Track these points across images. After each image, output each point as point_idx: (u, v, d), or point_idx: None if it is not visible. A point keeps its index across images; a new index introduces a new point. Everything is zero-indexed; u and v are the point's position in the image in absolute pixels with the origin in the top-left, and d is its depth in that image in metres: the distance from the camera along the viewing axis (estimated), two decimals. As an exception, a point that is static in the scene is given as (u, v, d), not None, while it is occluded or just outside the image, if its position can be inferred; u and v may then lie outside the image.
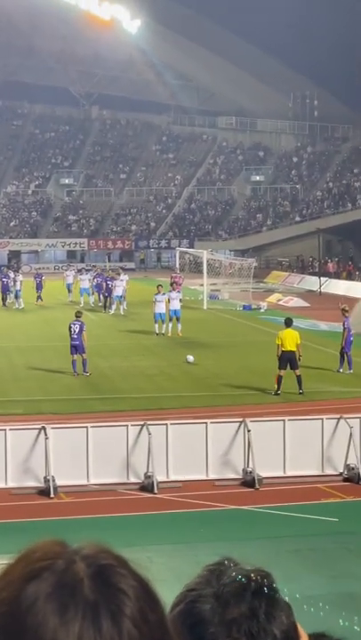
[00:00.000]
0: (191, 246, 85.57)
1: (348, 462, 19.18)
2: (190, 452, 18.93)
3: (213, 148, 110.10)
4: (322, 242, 76.28)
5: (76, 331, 30.24)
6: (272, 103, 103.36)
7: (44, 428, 18.66)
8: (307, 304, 55.37)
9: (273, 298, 58.85)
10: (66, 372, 30.52)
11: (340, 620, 11.70)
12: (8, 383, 29.31)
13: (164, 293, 40.66)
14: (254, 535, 16.11)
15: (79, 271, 60.89)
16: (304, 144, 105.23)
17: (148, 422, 19.09)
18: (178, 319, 40.49)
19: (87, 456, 18.62)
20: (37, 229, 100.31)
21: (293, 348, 26.89)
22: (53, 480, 18.09)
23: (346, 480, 19.09)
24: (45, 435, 18.44)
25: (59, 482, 18.17)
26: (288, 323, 28.05)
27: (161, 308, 40.19)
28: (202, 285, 55.40)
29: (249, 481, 18.69)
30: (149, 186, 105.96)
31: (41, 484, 18.33)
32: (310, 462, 19.33)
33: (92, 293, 54.51)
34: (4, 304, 54.22)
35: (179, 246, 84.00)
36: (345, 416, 19.66)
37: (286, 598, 1.63)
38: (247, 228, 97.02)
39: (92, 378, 30.04)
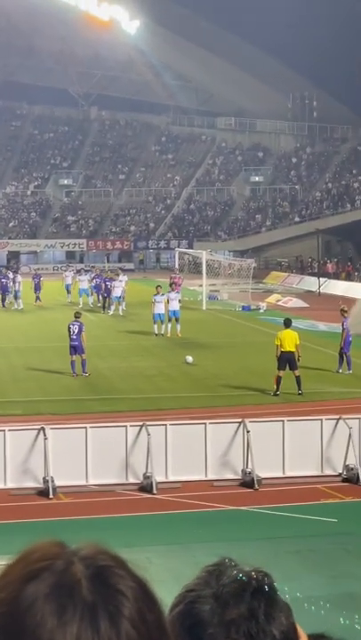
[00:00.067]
0: (190, 247, 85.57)
1: (347, 463, 19.19)
2: (189, 452, 18.93)
3: (212, 148, 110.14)
4: (321, 242, 76.38)
5: (75, 331, 30.25)
6: (271, 104, 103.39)
7: (43, 429, 18.65)
8: (306, 304, 55.40)
9: (272, 298, 58.86)
10: (65, 372, 30.52)
11: (340, 620, 11.70)
12: (7, 384, 29.31)
13: (163, 294, 40.67)
14: (253, 536, 16.11)
15: (78, 272, 60.92)
16: (303, 145, 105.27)
17: (147, 423, 19.09)
18: (177, 320, 40.49)
19: (86, 457, 18.62)
20: (36, 230, 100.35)
21: (293, 349, 26.90)
22: (52, 481, 18.10)
23: (345, 480, 19.09)
24: (44, 435, 18.44)
25: (58, 482, 18.17)
26: (287, 323, 28.06)
27: (160, 308, 40.20)
28: (201, 286, 55.41)
29: (248, 481, 18.69)
30: (148, 186, 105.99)
31: (40, 485, 18.33)
32: (309, 463, 19.33)
33: (91, 294, 54.50)
34: (3, 305, 54.21)
35: (178, 247, 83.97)
36: (344, 417, 19.66)
37: (286, 598, 1.62)
38: (246, 228, 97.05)
39: (91, 378, 30.04)
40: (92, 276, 56.81)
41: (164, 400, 26.31)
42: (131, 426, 19.08)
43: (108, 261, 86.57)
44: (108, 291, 50.46)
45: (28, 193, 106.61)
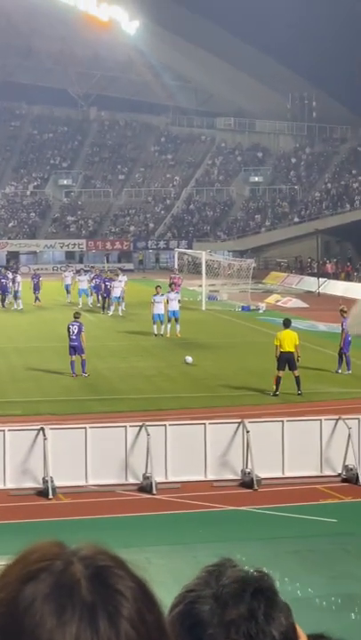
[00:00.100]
0: (190, 247, 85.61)
1: (346, 463, 19.18)
2: (189, 452, 18.92)
3: (212, 148, 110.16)
4: (320, 243, 76.39)
5: (75, 331, 30.24)
6: (271, 104, 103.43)
7: (42, 429, 18.65)
8: (305, 305, 55.40)
9: (272, 299, 58.87)
10: (64, 372, 30.51)
11: (340, 621, 11.71)
12: (6, 384, 29.31)
13: (162, 294, 40.68)
14: (253, 536, 16.11)
15: (78, 272, 60.91)
16: (303, 145, 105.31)
17: (147, 423, 19.09)
18: (176, 320, 40.49)
19: (86, 457, 18.61)
20: (36, 230, 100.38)
21: (292, 349, 26.90)
22: (52, 481, 18.09)
23: (344, 481, 19.09)
24: (44, 435, 18.44)
25: (57, 483, 18.17)
26: (287, 323, 28.05)
27: (159, 308, 40.20)
28: (200, 286, 55.42)
29: (247, 482, 18.68)
30: (148, 187, 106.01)
31: (39, 485, 18.32)
32: (309, 463, 19.32)
33: (91, 294, 54.50)
34: (2, 305, 54.23)
35: (177, 247, 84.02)
36: (343, 417, 19.65)
37: (286, 598, 1.62)
38: (246, 228, 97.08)
39: (91, 379, 30.04)
40: (92, 276, 56.80)
41: (164, 400, 26.31)
42: (130, 426, 19.08)
43: (107, 262, 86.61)
44: (107, 291, 50.46)
45: (28, 193, 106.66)
